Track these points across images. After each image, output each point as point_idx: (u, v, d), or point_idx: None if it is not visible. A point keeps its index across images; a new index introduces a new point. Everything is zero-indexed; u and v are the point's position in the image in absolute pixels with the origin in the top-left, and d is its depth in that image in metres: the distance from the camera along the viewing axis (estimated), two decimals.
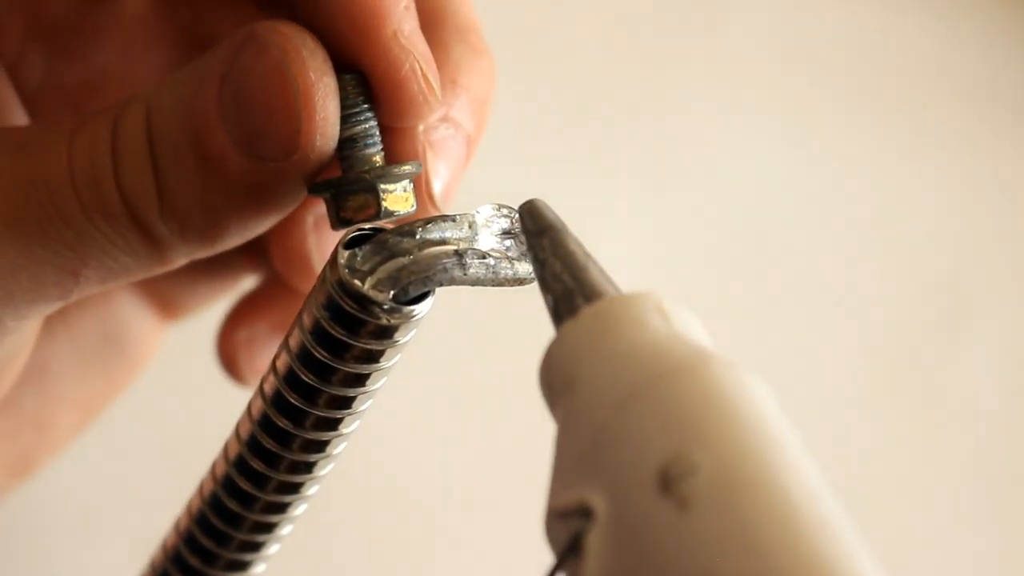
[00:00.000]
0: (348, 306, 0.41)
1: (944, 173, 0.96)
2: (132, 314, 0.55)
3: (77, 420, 0.54)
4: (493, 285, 0.42)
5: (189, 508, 0.47)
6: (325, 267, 0.41)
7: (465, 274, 0.41)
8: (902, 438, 0.88)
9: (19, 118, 0.49)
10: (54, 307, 0.43)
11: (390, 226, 0.42)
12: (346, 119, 0.41)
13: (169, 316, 0.56)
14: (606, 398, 0.34)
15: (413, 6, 0.42)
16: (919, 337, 0.91)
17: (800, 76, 0.98)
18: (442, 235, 0.41)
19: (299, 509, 0.46)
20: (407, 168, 0.42)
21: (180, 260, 0.43)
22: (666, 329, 0.35)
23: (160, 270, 0.43)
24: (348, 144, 0.42)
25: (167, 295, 0.55)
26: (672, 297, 0.36)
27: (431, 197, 0.45)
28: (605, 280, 0.37)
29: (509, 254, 0.42)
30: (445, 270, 0.41)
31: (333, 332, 0.41)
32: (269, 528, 0.46)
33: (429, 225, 0.41)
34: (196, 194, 0.41)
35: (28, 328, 0.46)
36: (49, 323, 0.52)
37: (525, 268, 0.42)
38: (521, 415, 0.81)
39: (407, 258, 0.41)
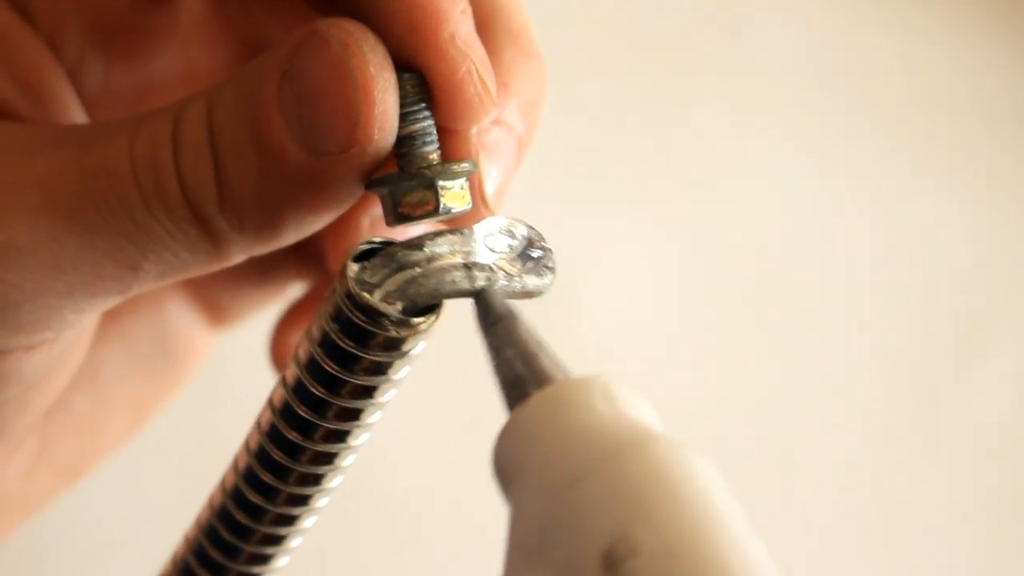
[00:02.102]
0: (357, 318, 0.41)
1: (961, 198, 0.96)
2: (182, 320, 0.55)
3: (126, 425, 0.55)
4: None
5: (199, 520, 0.47)
6: (335, 280, 0.41)
7: (473, 287, 0.41)
8: (917, 461, 0.88)
9: (80, 120, 0.49)
10: (113, 301, 0.44)
11: (398, 239, 0.42)
12: (405, 117, 0.41)
13: (218, 322, 0.56)
14: (552, 483, 0.34)
15: (470, 10, 0.42)
16: (935, 361, 0.91)
17: (821, 102, 0.98)
18: (451, 248, 0.41)
19: (308, 521, 0.46)
20: (464, 166, 0.42)
21: (237, 256, 0.43)
22: (611, 411, 0.35)
23: (217, 266, 0.44)
24: (406, 142, 0.42)
25: (216, 301, 0.56)
26: (619, 379, 0.36)
27: (484, 199, 0.45)
28: (554, 366, 0.37)
29: (517, 267, 0.42)
30: (454, 283, 0.41)
31: (342, 344, 0.41)
32: (278, 540, 0.46)
33: (438, 238, 0.41)
34: (255, 188, 0.41)
35: (86, 324, 0.47)
36: (102, 327, 0.52)
37: (534, 281, 0.42)
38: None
39: (416, 271, 0.41)
